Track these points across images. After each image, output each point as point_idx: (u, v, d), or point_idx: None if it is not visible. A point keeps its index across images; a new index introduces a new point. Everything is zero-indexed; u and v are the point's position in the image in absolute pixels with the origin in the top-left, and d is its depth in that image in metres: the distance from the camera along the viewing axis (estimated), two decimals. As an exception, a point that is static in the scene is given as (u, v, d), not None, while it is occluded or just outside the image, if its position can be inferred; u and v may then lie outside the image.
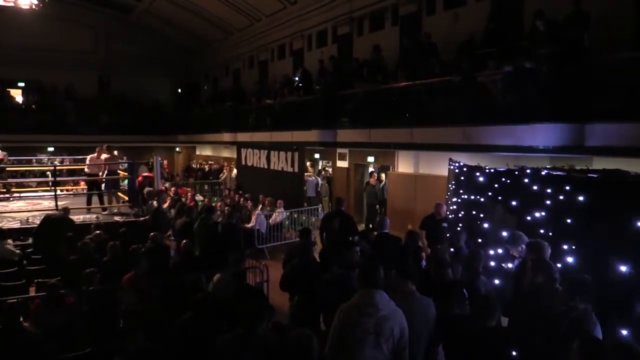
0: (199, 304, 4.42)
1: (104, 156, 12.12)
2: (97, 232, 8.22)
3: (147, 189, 11.58)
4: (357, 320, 3.46)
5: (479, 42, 9.67)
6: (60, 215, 8.90)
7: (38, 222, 10.08)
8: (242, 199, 13.15)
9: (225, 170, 20.04)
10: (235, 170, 18.62)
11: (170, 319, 4.77)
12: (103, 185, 12.41)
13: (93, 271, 6.03)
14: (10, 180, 13.65)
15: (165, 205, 12.22)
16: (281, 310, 5.44)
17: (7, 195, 13.45)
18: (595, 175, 5.70)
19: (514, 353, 3.61)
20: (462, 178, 7.97)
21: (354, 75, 12.66)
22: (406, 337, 3.52)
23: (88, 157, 12.20)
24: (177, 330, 4.34)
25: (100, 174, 12.18)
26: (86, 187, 13.14)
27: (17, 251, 7.79)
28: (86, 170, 12.23)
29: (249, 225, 11.35)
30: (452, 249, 6.21)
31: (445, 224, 7.68)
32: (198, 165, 23.69)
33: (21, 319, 5.47)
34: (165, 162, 22.49)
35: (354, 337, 3.42)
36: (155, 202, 10.44)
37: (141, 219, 10.32)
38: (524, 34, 8.90)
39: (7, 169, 13.38)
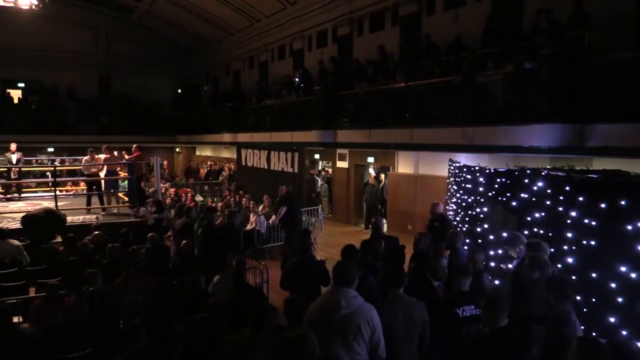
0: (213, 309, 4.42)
1: (103, 156, 12.10)
2: (96, 232, 8.23)
3: (151, 190, 11.50)
4: (321, 320, 3.47)
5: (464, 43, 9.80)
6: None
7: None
8: (242, 200, 13.15)
9: (225, 171, 20.06)
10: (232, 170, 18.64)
11: (170, 320, 4.77)
12: (103, 185, 12.40)
13: (96, 271, 6.04)
14: (12, 181, 13.64)
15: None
16: (281, 310, 5.43)
17: (16, 195, 13.48)
18: (595, 176, 5.70)
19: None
20: (462, 178, 7.97)
21: (357, 75, 12.66)
22: (378, 333, 3.48)
23: (83, 160, 12.15)
24: (181, 331, 4.33)
25: (101, 174, 12.16)
26: (86, 187, 13.08)
27: (28, 258, 7.77)
28: (84, 172, 12.21)
29: (249, 228, 11.34)
30: (448, 251, 6.19)
31: (436, 223, 7.66)
32: (197, 165, 23.72)
33: (21, 319, 5.49)
34: (165, 162, 22.53)
35: (320, 336, 3.39)
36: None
37: (139, 219, 10.31)
38: (524, 34, 8.90)
39: (17, 169, 13.42)
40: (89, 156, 11.98)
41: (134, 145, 13.39)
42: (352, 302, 3.48)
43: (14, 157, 13.40)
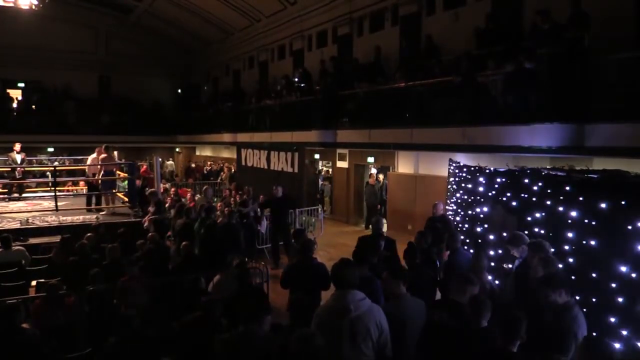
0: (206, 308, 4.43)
1: (101, 156, 12.09)
2: (91, 233, 8.21)
3: (150, 190, 11.49)
4: (330, 323, 3.45)
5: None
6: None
7: (38, 222, 10.12)
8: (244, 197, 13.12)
9: (224, 172, 20.07)
10: (232, 170, 18.65)
11: (170, 320, 4.78)
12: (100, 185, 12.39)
13: (98, 271, 6.04)
14: (10, 180, 13.65)
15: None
16: (281, 310, 5.44)
17: (17, 195, 13.51)
18: (595, 176, 5.69)
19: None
20: (462, 178, 7.97)
21: (356, 76, 12.66)
22: (386, 333, 3.49)
23: (89, 158, 12.19)
24: (178, 331, 4.34)
25: (97, 174, 12.15)
26: (86, 187, 13.11)
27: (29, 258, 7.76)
28: (86, 170, 12.23)
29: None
30: (448, 251, 6.18)
31: (438, 224, 7.66)
32: (194, 165, 23.78)
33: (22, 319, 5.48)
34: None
35: (330, 340, 3.38)
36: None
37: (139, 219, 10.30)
38: (524, 34, 8.90)
39: (22, 169, 13.46)
40: (95, 154, 12.01)
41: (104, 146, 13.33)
42: (360, 304, 3.47)
43: (19, 157, 13.45)
